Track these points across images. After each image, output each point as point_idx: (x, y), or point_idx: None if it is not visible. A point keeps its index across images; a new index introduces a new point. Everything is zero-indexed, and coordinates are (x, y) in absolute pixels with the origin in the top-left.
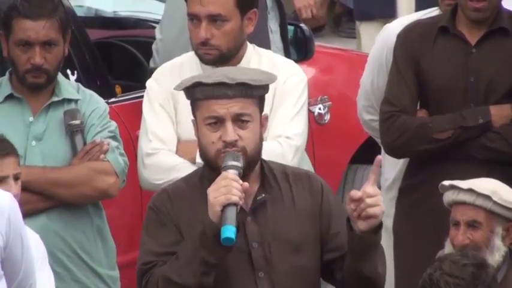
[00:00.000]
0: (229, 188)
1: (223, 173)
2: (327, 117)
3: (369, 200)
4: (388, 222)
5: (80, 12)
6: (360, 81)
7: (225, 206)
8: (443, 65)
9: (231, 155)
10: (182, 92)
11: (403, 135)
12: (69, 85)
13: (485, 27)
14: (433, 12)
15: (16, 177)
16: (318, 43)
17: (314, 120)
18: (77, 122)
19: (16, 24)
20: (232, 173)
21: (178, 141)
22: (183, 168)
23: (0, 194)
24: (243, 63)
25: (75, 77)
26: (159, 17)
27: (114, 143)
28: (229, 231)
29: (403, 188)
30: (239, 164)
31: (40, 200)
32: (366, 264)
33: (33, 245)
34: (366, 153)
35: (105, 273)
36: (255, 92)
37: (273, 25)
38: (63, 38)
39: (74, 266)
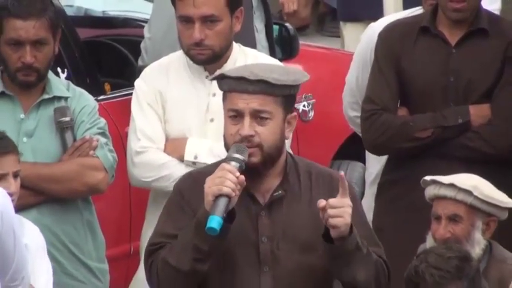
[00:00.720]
0: (223, 179)
1: (222, 164)
2: (311, 114)
3: (330, 211)
4: (371, 215)
5: (69, 12)
6: (346, 79)
7: (217, 197)
8: (424, 65)
9: (236, 147)
10: (170, 91)
11: (385, 133)
12: (59, 83)
13: (465, 27)
14: (417, 11)
15: (15, 175)
16: (303, 42)
17: (298, 117)
18: (67, 119)
19: (7, 24)
20: (231, 165)
21: (167, 139)
22: (172, 165)
23: None
24: (229, 62)
25: (65, 75)
26: (148, 16)
27: (103, 140)
28: (214, 221)
29: (383, 183)
30: (241, 157)
31: (31, 194)
32: (342, 270)
33: (32, 236)
34: (349, 149)
35: (95, 266)
36: (277, 90)
37: (259, 24)
38: (53, 37)
39: (64, 259)
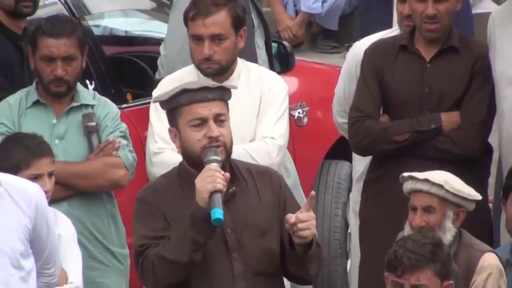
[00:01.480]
0: (214, 177)
1: (207, 166)
2: (305, 120)
3: (300, 225)
4: (358, 208)
5: (97, 32)
6: (335, 90)
7: (211, 193)
8: (403, 78)
9: (211, 150)
10: None
11: (367, 137)
12: (86, 93)
13: (439, 45)
14: (394, 31)
15: (50, 174)
16: (298, 57)
17: (294, 123)
18: (93, 123)
19: (41, 42)
20: (214, 165)
21: None
22: None
23: (29, 185)
24: (235, 75)
25: (93, 86)
26: (163, 36)
27: (124, 142)
28: (218, 213)
29: (367, 180)
30: (219, 157)
31: (62, 189)
32: (301, 270)
33: (65, 227)
34: (338, 150)
35: (117, 251)
36: (226, 96)
37: (259, 41)
38: (81, 53)
39: (91, 245)
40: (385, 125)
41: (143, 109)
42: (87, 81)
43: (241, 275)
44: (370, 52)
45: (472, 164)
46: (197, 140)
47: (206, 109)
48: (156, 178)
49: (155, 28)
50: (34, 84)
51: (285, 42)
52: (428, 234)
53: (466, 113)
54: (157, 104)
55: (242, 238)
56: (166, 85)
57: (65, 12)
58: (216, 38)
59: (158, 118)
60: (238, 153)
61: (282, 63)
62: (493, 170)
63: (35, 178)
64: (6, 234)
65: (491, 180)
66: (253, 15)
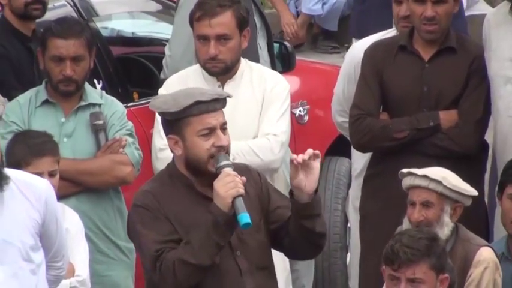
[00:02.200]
0: (235, 182)
1: (226, 171)
2: (306, 118)
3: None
4: (357, 204)
5: (105, 33)
6: (334, 90)
7: (234, 198)
8: (402, 77)
9: (223, 156)
10: None
11: (368, 134)
12: (94, 92)
13: (437, 46)
14: (391, 32)
15: (51, 174)
16: (299, 57)
17: (295, 121)
18: (101, 122)
19: (50, 43)
20: (231, 170)
21: None
22: None
23: (39, 181)
24: (238, 74)
25: (100, 85)
26: (169, 37)
27: (130, 139)
28: (246, 217)
29: (367, 176)
30: (230, 162)
31: (71, 186)
32: (317, 224)
33: (72, 221)
34: (338, 148)
35: (124, 245)
36: (225, 103)
37: (261, 42)
38: (89, 54)
39: (98, 239)
40: (385, 123)
41: (149, 108)
42: (95, 81)
43: (248, 271)
44: (370, 52)
45: (469, 160)
46: (206, 149)
47: (215, 119)
48: (146, 183)
49: (161, 29)
50: (43, 84)
51: (286, 43)
52: (424, 229)
53: (464, 111)
54: None
55: (242, 235)
56: (172, 84)
57: (74, 14)
58: (222, 38)
59: None
60: (242, 149)
61: (283, 63)
62: (489, 166)
63: None
64: (16, 228)
65: (487, 176)
66: (256, 17)
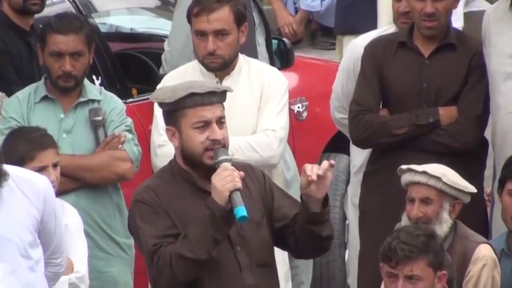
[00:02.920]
0: (233, 176)
1: (224, 165)
2: (304, 114)
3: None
4: (356, 201)
5: (103, 29)
6: (333, 87)
7: (231, 192)
8: (402, 73)
9: (221, 150)
10: None
11: (367, 130)
12: (93, 88)
13: (437, 42)
14: (390, 28)
15: (54, 165)
16: (297, 54)
17: (294, 117)
18: (100, 118)
19: (50, 38)
20: (229, 165)
21: None
22: None
23: (38, 178)
24: (236, 69)
25: (99, 81)
26: (167, 33)
27: (129, 136)
28: (242, 210)
29: (367, 173)
30: (229, 156)
31: (70, 182)
32: (325, 229)
33: (71, 218)
34: (336, 144)
35: (122, 241)
36: (225, 98)
37: (260, 39)
38: (88, 50)
39: (97, 235)
40: (385, 119)
41: (148, 104)
42: (94, 77)
43: (247, 267)
44: (370, 48)
45: (468, 157)
46: (200, 142)
47: (210, 112)
48: (148, 179)
49: (159, 25)
50: (43, 79)
51: (284, 39)
52: (421, 226)
53: (463, 107)
54: None
55: (243, 231)
56: (171, 80)
57: (73, 10)
58: (220, 34)
59: (162, 111)
60: (241, 145)
61: (281, 59)
62: (489, 162)
63: (39, 170)
64: (15, 225)
65: (486, 173)
66: (254, 13)
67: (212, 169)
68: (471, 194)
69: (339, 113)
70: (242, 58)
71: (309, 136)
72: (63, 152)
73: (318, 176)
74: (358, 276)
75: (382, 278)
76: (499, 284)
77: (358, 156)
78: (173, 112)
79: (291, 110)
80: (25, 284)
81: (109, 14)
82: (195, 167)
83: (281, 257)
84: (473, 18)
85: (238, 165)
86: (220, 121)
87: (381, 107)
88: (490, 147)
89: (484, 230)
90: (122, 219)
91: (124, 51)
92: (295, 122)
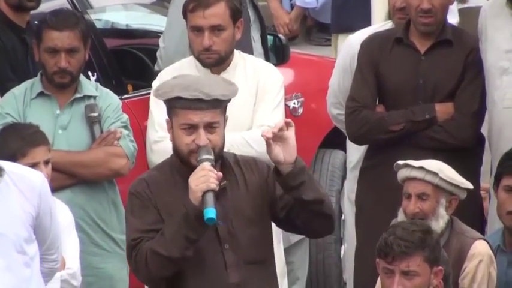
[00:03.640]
0: (207, 177)
1: (201, 165)
2: (300, 110)
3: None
4: (352, 197)
5: (98, 25)
6: (329, 83)
7: (204, 192)
8: (398, 69)
9: (204, 149)
10: None
11: (364, 126)
12: (89, 84)
13: (433, 38)
14: (387, 24)
15: (46, 162)
16: (293, 50)
17: (289, 113)
18: (95, 114)
19: (45, 35)
20: (207, 165)
21: None
22: None
23: (33, 174)
24: (232, 65)
25: (95, 77)
26: (163, 29)
27: (125, 132)
28: (210, 212)
29: (363, 169)
30: (211, 156)
31: (65, 178)
32: (305, 191)
33: (63, 214)
34: (332, 140)
35: (118, 237)
36: (223, 104)
37: (255, 35)
38: (84, 46)
39: (92, 231)
40: (381, 115)
41: (143, 100)
42: (89, 73)
43: (234, 265)
44: (366, 44)
45: (465, 153)
46: (186, 144)
47: (198, 117)
48: (147, 171)
49: (155, 21)
50: (38, 76)
51: (280, 35)
52: (417, 222)
53: (460, 103)
54: None
55: (233, 228)
56: (166, 76)
57: (68, 6)
58: (216, 29)
59: (158, 107)
60: (237, 141)
61: (277, 55)
62: (485, 158)
63: (31, 167)
64: (10, 221)
65: (483, 169)
66: (250, 10)
67: None
68: (468, 190)
69: (335, 109)
70: (238, 54)
71: (304, 132)
72: (59, 148)
73: (280, 138)
74: (354, 272)
75: (378, 274)
76: (495, 280)
77: (355, 152)
78: (168, 108)
79: (286, 106)
80: (20, 280)
81: (104, 10)
82: (185, 164)
83: (277, 253)
84: (470, 14)
85: (242, 160)
86: (211, 126)
87: (377, 103)
88: (487, 143)
89: (480, 226)
90: (118, 215)
91: (119, 47)
92: (291, 118)
